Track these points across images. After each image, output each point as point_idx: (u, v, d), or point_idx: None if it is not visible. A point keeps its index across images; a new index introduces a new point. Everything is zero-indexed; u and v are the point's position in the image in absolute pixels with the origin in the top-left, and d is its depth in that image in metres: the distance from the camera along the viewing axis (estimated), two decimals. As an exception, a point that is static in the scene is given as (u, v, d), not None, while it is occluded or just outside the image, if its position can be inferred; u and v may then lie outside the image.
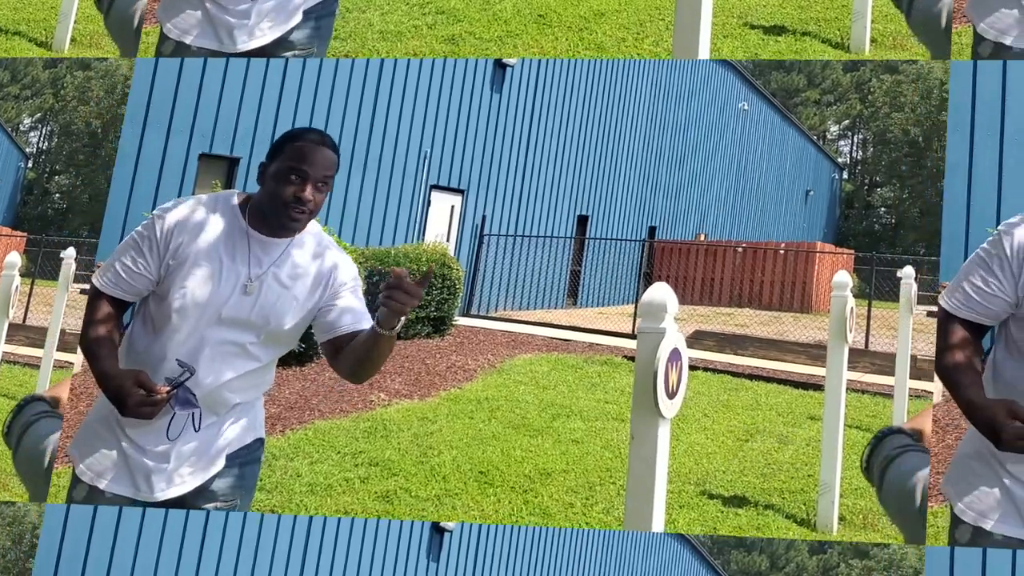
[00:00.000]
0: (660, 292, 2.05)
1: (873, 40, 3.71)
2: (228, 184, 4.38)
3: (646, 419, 2.00)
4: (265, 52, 2.44)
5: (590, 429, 3.67)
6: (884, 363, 4.82)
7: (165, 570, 2.40)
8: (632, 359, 4.75)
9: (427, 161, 5.37)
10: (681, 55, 2.74)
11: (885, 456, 1.33)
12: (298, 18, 2.40)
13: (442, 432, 3.57)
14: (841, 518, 3.01)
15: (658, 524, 2.03)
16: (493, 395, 4.04)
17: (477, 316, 5.43)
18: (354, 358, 1.78)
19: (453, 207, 5.58)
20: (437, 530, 2.90)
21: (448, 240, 5.46)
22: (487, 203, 5.70)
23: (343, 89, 4.79)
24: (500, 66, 5.61)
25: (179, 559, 2.43)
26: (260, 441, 1.92)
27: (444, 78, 5.38)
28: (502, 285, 5.68)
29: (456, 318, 4.99)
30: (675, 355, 2.03)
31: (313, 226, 1.85)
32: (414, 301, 1.63)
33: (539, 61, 5.85)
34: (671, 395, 2.03)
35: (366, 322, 1.80)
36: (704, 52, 2.77)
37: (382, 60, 4.79)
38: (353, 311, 1.82)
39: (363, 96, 4.94)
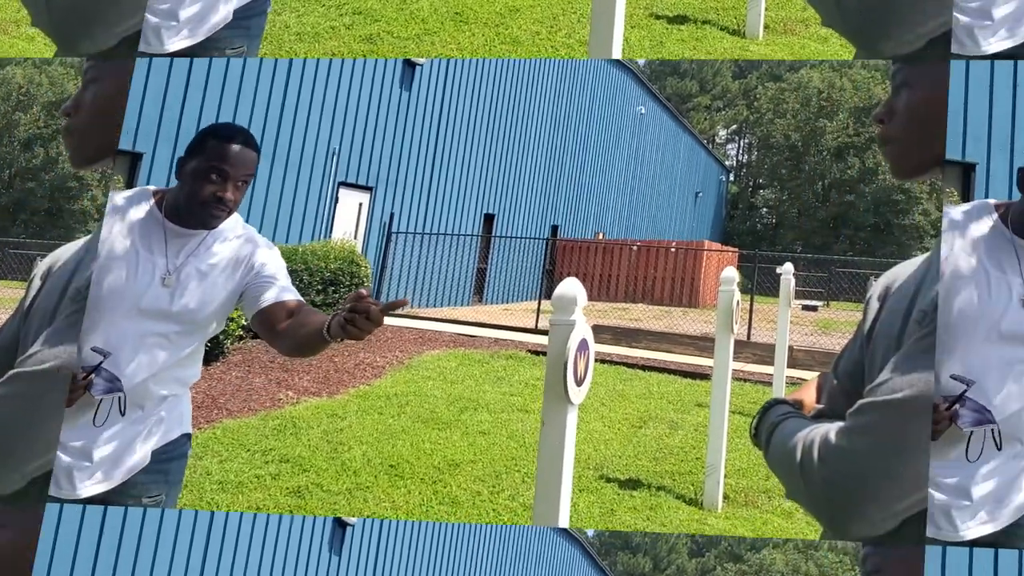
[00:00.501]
0: (571, 287, 2.19)
1: (766, 26, 3.98)
2: (130, 180, 4.25)
3: (556, 405, 2.13)
4: (193, 52, 2.42)
5: (496, 421, 3.83)
6: (764, 353, 5.19)
7: (82, 567, 2.38)
8: (536, 353, 4.95)
9: (335, 158, 5.36)
10: (596, 46, 2.88)
11: (771, 423, 1.51)
12: (227, 17, 2.39)
13: (352, 428, 3.64)
14: (725, 496, 3.27)
15: (565, 504, 2.17)
16: (402, 391, 4.13)
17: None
18: (293, 343, 1.78)
19: (361, 204, 5.59)
20: (340, 524, 2.97)
21: (356, 237, 5.47)
22: (395, 201, 5.74)
23: (251, 85, 4.72)
24: (410, 65, 5.64)
25: (96, 556, 2.42)
26: (187, 436, 1.94)
27: (354, 76, 5.38)
28: (409, 282, 5.73)
29: (364, 315, 4.99)
30: (583, 345, 2.17)
31: (232, 216, 1.88)
32: (372, 327, 1.59)
33: (448, 60, 5.92)
34: (579, 382, 2.17)
35: (289, 295, 1.82)
36: (618, 42, 2.91)
37: (291, 58, 4.75)
38: (276, 285, 1.80)
39: (271, 92, 4.88)
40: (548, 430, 2.14)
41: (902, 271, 1.40)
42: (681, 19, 4.18)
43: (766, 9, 3.92)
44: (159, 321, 1.82)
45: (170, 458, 1.93)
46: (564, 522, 2.15)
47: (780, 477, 1.39)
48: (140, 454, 1.87)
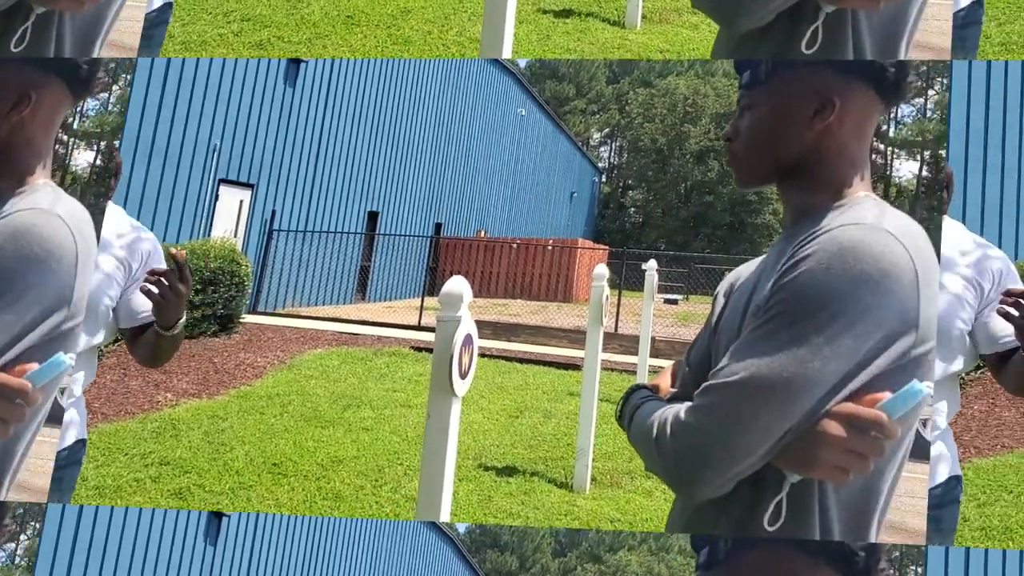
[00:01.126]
0: (457, 284, 2.32)
1: (644, 17, 4.23)
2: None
3: (441, 398, 2.23)
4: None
5: (379, 417, 3.93)
6: (630, 344, 5.54)
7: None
8: (419, 349, 5.07)
9: (216, 154, 5.24)
10: (488, 42, 2.99)
11: (632, 406, 1.70)
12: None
13: (233, 428, 3.64)
14: (593, 479, 3.53)
15: (448, 493, 2.29)
16: (284, 390, 4.15)
17: (265, 313, 5.41)
18: (147, 350, 1.79)
19: (242, 202, 5.49)
20: (216, 516, 2.99)
21: (236, 236, 5.37)
22: (277, 198, 5.67)
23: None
24: (295, 62, 5.58)
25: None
26: (82, 442, 1.93)
27: (236, 71, 5.27)
28: (291, 281, 5.69)
29: (243, 316, 4.95)
30: (468, 340, 2.30)
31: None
32: (175, 282, 1.59)
33: (333, 55, 5.88)
34: (463, 376, 2.30)
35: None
36: (508, 37, 3.03)
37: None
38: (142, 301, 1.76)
39: (148, 86, 4.72)
40: (433, 422, 2.26)
41: (744, 270, 1.60)
42: (567, 13, 4.35)
43: (643, 0, 4.11)
44: None
45: (64, 465, 1.91)
46: (446, 511, 2.29)
47: (639, 453, 1.56)
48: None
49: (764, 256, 1.55)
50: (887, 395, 1.35)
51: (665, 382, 1.65)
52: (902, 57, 2.01)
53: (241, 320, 4.92)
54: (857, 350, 1.34)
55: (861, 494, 1.41)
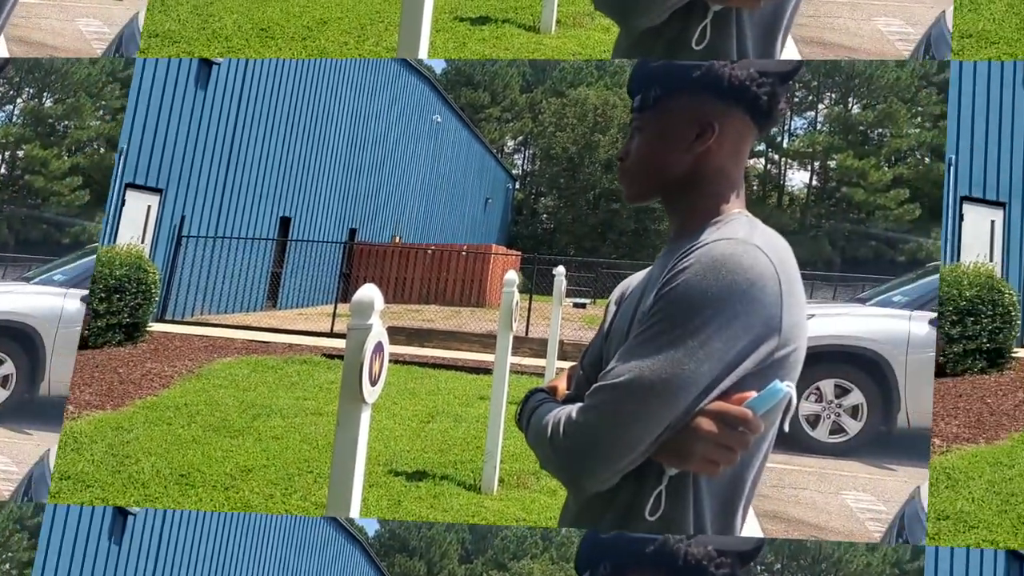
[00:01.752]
0: (369, 292, 2.41)
1: (559, 21, 4.38)
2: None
3: (351, 405, 2.30)
4: None
5: (289, 425, 3.95)
6: (540, 348, 5.72)
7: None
8: (330, 357, 5.09)
9: (123, 158, 5.10)
10: (404, 50, 3.05)
11: (530, 409, 1.71)
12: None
13: (139, 440, 3.59)
14: (501, 480, 3.67)
15: (357, 498, 2.38)
16: (192, 400, 4.10)
17: (173, 321, 5.30)
18: None
19: (150, 207, 5.36)
20: (121, 513, 2.96)
21: (143, 242, 5.24)
22: (187, 203, 5.56)
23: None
24: (206, 63, 5.47)
25: None
26: None
27: (145, 72, 5.13)
28: (200, 288, 5.59)
29: (150, 324, 4.84)
30: (379, 347, 2.40)
31: None
32: None
33: (246, 61, 5.80)
34: (373, 383, 2.39)
35: None
36: (424, 45, 3.11)
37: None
38: None
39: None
40: (343, 429, 2.33)
41: (633, 280, 1.76)
42: (483, 20, 4.44)
43: (558, 5, 4.22)
44: None
45: None
46: (355, 516, 2.35)
47: (536, 452, 1.69)
48: None
49: (651, 267, 1.71)
50: (752, 394, 1.51)
51: (562, 385, 1.78)
52: (778, 51, 2.26)
53: (148, 329, 4.81)
54: (727, 353, 1.50)
55: (729, 484, 1.58)
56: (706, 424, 1.51)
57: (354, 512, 2.34)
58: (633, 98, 1.71)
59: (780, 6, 2.12)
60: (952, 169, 3.81)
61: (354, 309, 2.39)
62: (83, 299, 4.01)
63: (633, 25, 2.14)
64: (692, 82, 1.64)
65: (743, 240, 1.54)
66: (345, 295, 6.43)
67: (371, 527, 3.39)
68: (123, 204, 5.14)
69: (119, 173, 5.12)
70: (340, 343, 5.50)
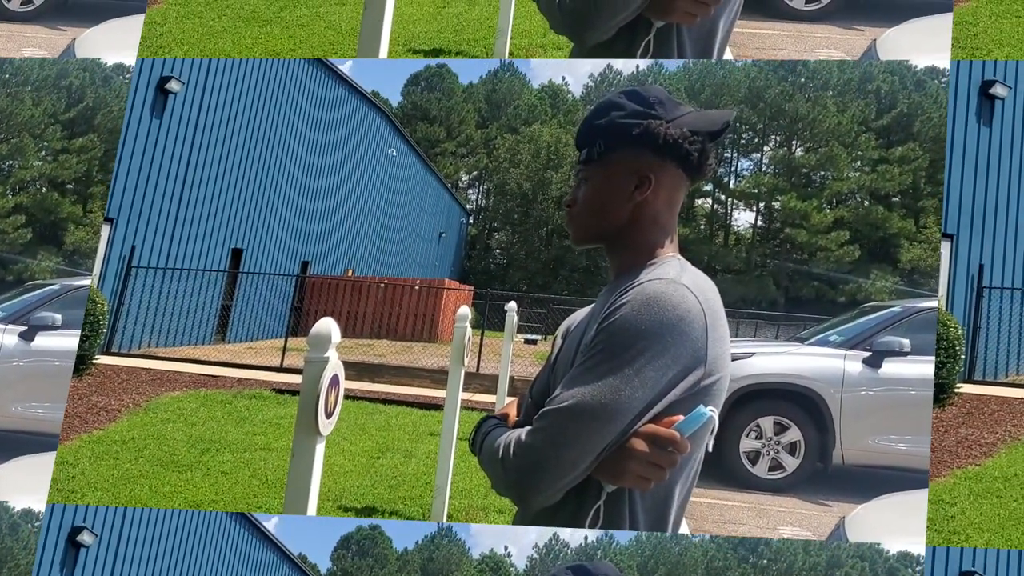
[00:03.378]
0: (326, 325, 2.48)
1: (511, 53, 4.53)
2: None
3: (306, 437, 2.36)
4: None
5: (239, 460, 3.95)
6: (491, 384, 5.80)
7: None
8: (280, 391, 5.08)
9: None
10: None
11: (482, 434, 1.87)
12: None
13: (85, 475, 3.55)
14: (449, 515, 3.73)
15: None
16: (139, 434, 4.07)
17: (119, 354, 5.23)
18: None
19: (100, 237, 5.30)
20: (73, 546, 2.93)
21: (92, 272, 5.18)
22: (137, 233, 5.52)
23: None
24: (162, 92, 5.48)
25: None
26: None
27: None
28: (148, 320, 5.53)
29: (96, 357, 4.77)
30: (335, 380, 2.48)
31: None
32: None
33: (203, 89, 5.83)
34: (328, 415, 2.47)
35: None
36: (384, 49, 3.20)
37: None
38: None
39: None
40: (297, 461, 2.39)
41: (577, 316, 1.93)
42: (437, 51, 4.59)
43: (512, 38, 4.38)
44: None
45: None
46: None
47: (488, 473, 1.84)
48: None
49: (594, 304, 1.89)
50: (680, 418, 1.71)
51: (512, 412, 1.94)
52: (713, 58, 2.55)
53: (94, 362, 4.74)
54: (659, 380, 1.69)
55: (661, 500, 1.77)
56: (639, 445, 1.68)
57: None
58: (580, 151, 1.91)
59: (714, 22, 2.42)
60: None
61: (311, 341, 2.46)
62: (20, 335, 3.98)
63: (585, 41, 2.40)
64: (632, 138, 1.84)
65: (672, 280, 1.73)
66: (296, 329, 6.43)
67: (394, 99, 3.38)
68: (71, 233, 5.07)
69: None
70: (290, 377, 5.49)
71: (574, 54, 2.45)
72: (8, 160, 4.41)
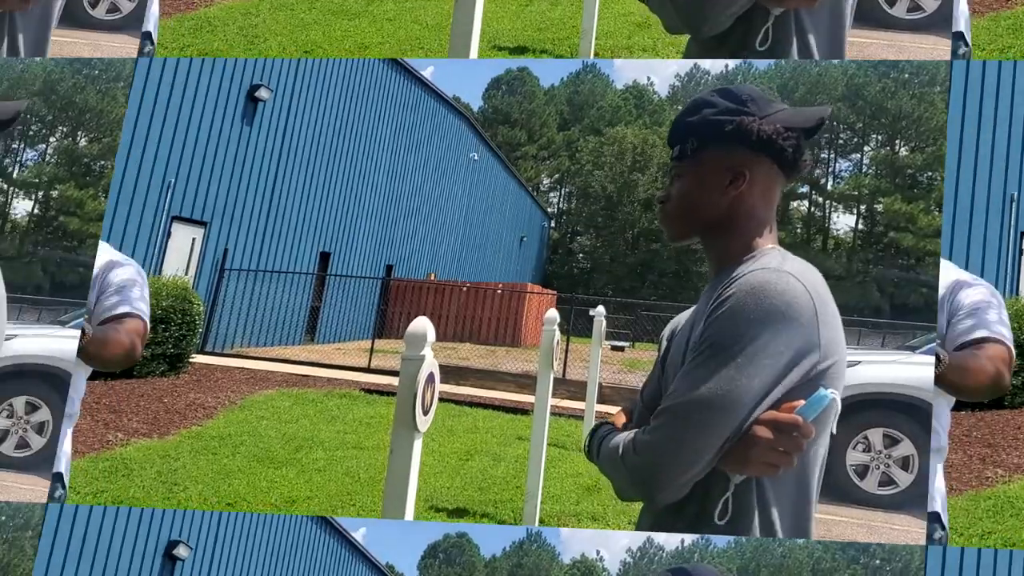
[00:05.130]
0: (421, 325, 2.56)
1: (596, 54, 4.44)
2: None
3: (404, 433, 2.45)
4: None
5: (331, 458, 4.11)
6: (577, 390, 5.82)
7: None
8: (369, 392, 5.25)
9: (170, 191, 5.40)
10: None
11: (599, 439, 1.93)
12: None
13: (186, 468, 3.77)
14: (541, 520, 3.77)
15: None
16: (236, 431, 4.29)
17: (213, 353, 5.53)
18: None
19: (195, 239, 5.64)
20: (170, 559, 3.10)
21: (188, 274, 5.50)
22: (230, 236, 5.83)
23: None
24: (252, 100, 5.79)
25: None
26: (57, 476, 2.08)
27: (194, 108, 5.46)
28: (241, 320, 5.82)
29: (192, 356, 5.06)
30: (431, 378, 2.54)
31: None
32: None
33: (292, 96, 6.13)
34: (425, 412, 2.51)
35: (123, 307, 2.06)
36: (475, 47, 3.29)
37: (131, 82, 4.78)
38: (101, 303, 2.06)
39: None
40: (395, 458, 2.48)
41: (682, 317, 1.99)
42: (521, 49, 4.67)
43: (596, 39, 4.41)
44: None
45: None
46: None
47: (609, 475, 1.89)
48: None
49: (696, 304, 1.96)
50: (801, 402, 1.75)
51: (622, 419, 2.01)
52: (844, 47, 2.50)
53: (191, 360, 5.02)
54: (773, 368, 1.74)
55: (796, 487, 1.80)
56: (762, 432, 1.73)
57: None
58: (672, 148, 1.97)
59: (837, 4, 2.40)
60: (1014, 204, 3.86)
61: (408, 340, 2.55)
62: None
63: (700, 33, 2.43)
64: (725, 135, 1.90)
65: (776, 269, 1.78)
66: (381, 331, 6.63)
67: (475, 104, 3.46)
68: (169, 236, 5.42)
69: (166, 206, 5.41)
70: (378, 378, 5.68)
71: (689, 48, 2.46)
72: (99, 160, 4.61)
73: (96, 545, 2.91)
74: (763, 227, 1.88)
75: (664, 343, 1.99)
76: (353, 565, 3.59)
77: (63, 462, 2.07)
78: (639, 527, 1.93)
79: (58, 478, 2.08)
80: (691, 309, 1.97)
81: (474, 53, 3.38)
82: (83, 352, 1.98)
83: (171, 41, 4.41)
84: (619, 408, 2.09)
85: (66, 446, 2.07)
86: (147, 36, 2.52)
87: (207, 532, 3.19)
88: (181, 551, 3.08)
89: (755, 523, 1.78)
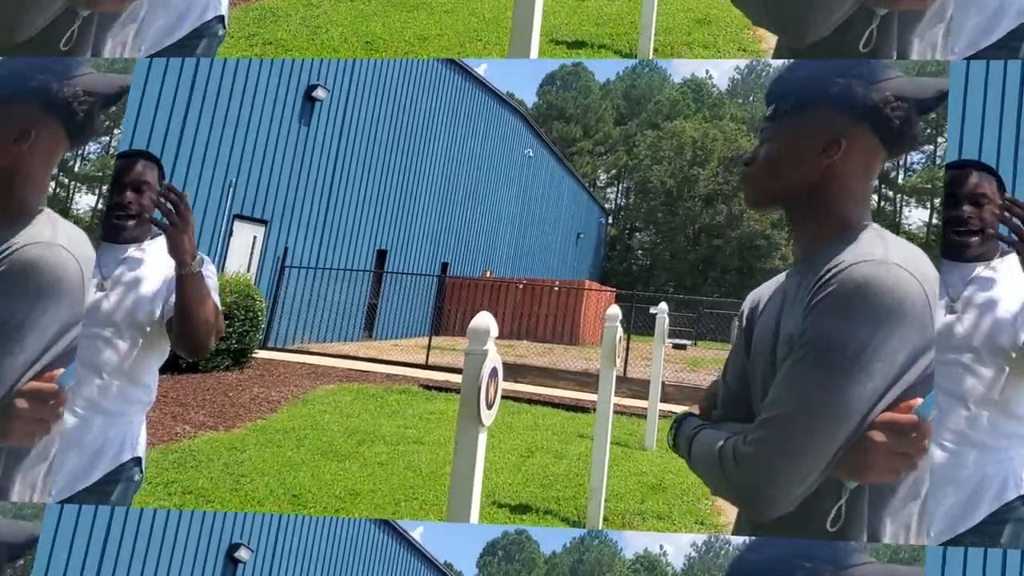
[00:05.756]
0: (484, 320, 2.57)
1: (656, 50, 4.39)
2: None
3: (469, 427, 2.45)
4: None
5: (393, 452, 4.17)
6: (638, 388, 5.77)
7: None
8: (428, 388, 5.32)
9: (231, 190, 5.57)
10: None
11: (687, 436, 1.81)
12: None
13: (252, 460, 3.88)
14: (605, 519, 3.74)
15: (475, 515, 2.45)
16: (299, 424, 4.39)
17: (275, 348, 5.69)
18: (179, 318, 2.01)
19: (255, 237, 5.80)
20: (231, 560, 3.19)
21: (249, 271, 5.67)
22: (290, 235, 5.98)
23: (149, 113, 4.86)
24: (309, 100, 5.93)
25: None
26: (136, 460, 2.18)
27: (253, 109, 5.62)
28: (301, 317, 5.97)
29: (255, 351, 5.21)
30: (494, 372, 2.54)
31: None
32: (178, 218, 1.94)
33: (347, 96, 6.25)
34: (489, 406, 2.51)
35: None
36: (535, 48, 3.29)
37: (192, 83, 4.94)
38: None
39: (170, 120, 5.04)
40: (460, 452, 2.49)
41: (762, 294, 1.82)
42: (579, 44, 4.62)
43: (655, 34, 4.36)
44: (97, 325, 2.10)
45: (114, 480, 2.16)
46: None
47: (703, 479, 1.80)
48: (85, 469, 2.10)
49: (781, 281, 1.78)
50: (919, 401, 1.64)
51: (706, 406, 1.89)
52: (938, 47, 2.32)
53: (253, 355, 5.17)
54: (888, 370, 1.62)
55: (908, 491, 1.69)
56: (878, 436, 1.63)
57: (473, 532, 2.46)
58: (768, 106, 1.82)
59: (939, 12, 2.23)
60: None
61: (471, 335, 2.55)
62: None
63: (800, 43, 2.29)
64: (828, 97, 1.75)
65: (882, 260, 1.64)
66: (437, 328, 6.71)
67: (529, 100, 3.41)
68: (231, 234, 5.59)
69: (228, 204, 5.59)
70: (435, 375, 5.75)
71: (780, 53, 2.34)
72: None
73: (161, 545, 3.01)
74: (857, 203, 1.73)
75: (743, 321, 1.83)
76: (412, 565, 3.63)
77: (141, 446, 2.15)
78: (737, 531, 1.81)
79: (136, 462, 2.16)
80: (772, 285, 1.81)
81: (534, 53, 3.39)
82: (188, 311, 2.01)
83: (237, 30, 4.53)
84: (706, 389, 1.96)
85: (143, 431, 2.16)
86: (220, 19, 2.61)
87: (268, 534, 3.26)
88: (243, 553, 3.15)
89: (864, 530, 1.68)
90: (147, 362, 2.14)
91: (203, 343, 2.07)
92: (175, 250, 2.02)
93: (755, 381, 1.75)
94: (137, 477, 2.19)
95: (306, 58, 4.41)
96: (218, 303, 2.10)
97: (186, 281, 2.03)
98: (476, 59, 5.86)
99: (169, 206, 2.00)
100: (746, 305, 1.88)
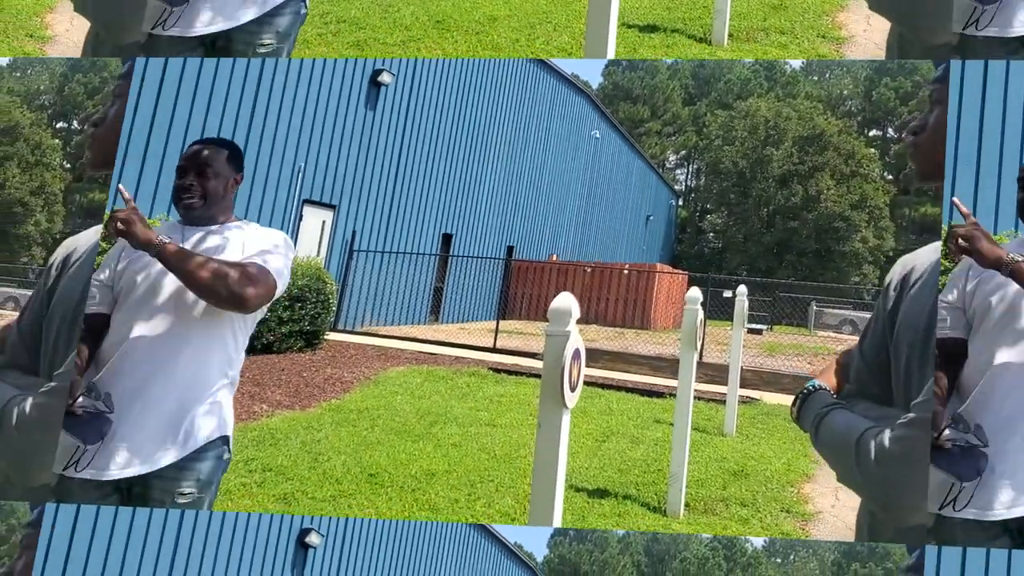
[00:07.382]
0: (565, 301, 2.50)
1: (731, 35, 4.32)
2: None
3: (552, 409, 2.44)
4: (228, 40, 2.75)
5: (466, 434, 4.25)
6: (715, 373, 5.71)
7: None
8: (497, 371, 5.39)
9: (301, 176, 5.72)
10: (592, 51, 3.27)
11: (816, 414, 1.71)
12: (259, 10, 2.72)
13: (328, 439, 4.00)
14: (687, 505, 3.71)
15: (559, 502, 2.45)
16: (372, 405, 4.51)
17: (343, 331, 5.84)
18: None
19: (324, 222, 5.95)
20: (302, 545, 3.29)
21: (319, 255, 5.83)
22: (358, 219, 6.12)
23: (219, 102, 5.03)
24: (375, 84, 6.04)
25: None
26: (223, 439, 2.29)
27: (320, 94, 5.76)
28: (369, 300, 6.11)
29: (327, 333, 5.37)
30: (576, 354, 2.50)
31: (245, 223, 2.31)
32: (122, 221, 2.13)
33: (411, 82, 6.35)
34: (572, 388, 2.49)
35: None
36: (612, 45, 3.30)
37: (260, 71, 5.08)
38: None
39: (240, 108, 5.21)
40: (544, 432, 2.48)
41: (919, 261, 1.67)
42: (651, 28, 4.59)
43: (730, 19, 4.34)
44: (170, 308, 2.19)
45: (202, 458, 2.26)
46: (559, 517, 2.51)
47: (833, 465, 1.71)
48: (165, 446, 2.21)
49: (938, 254, 1.65)
50: None
51: (833, 379, 1.78)
52: None
53: (325, 337, 5.33)
54: None
55: None
56: None
57: (558, 512, 2.49)
58: (937, 67, 1.69)
59: None
60: None
61: (552, 316, 2.55)
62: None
63: (922, 31, 2.10)
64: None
65: None
66: (504, 312, 6.78)
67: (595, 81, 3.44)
68: (301, 219, 5.76)
69: (297, 189, 5.75)
70: (504, 358, 5.82)
71: (904, 43, 2.21)
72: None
73: (233, 529, 3.13)
74: None
75: (892, 294, 1.69)
76: (484, 547, 3.69)
77: (229, 425, 2.25)
78: (859, 529, 1.71)
79: (225, 440, 2.26)
80: (928, 255, 1.66)
81: (611, 53, 3.37)
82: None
83: (312, 7, 4.65)
84: (832, 359, 1.84)
85: (231, 411, 2.25)
86: None
87: (336, 526, 3.34)
88: (313, 539, 3.25)
89: None
90: (219, 332, 2.21)
91: (222, 299, 2.15)
92: (139, 248, 2.20)
93: (899, 356, 1.65)
94: (226, 456, 2.27)
95: (377, 36, 4.49)
96: (233, 264, 2.19)
97: (162, 260, 2.18)
98: (559, 60, 5.81)
99: (120, 226, 2.17)
100: (895, 274, 1.76)
